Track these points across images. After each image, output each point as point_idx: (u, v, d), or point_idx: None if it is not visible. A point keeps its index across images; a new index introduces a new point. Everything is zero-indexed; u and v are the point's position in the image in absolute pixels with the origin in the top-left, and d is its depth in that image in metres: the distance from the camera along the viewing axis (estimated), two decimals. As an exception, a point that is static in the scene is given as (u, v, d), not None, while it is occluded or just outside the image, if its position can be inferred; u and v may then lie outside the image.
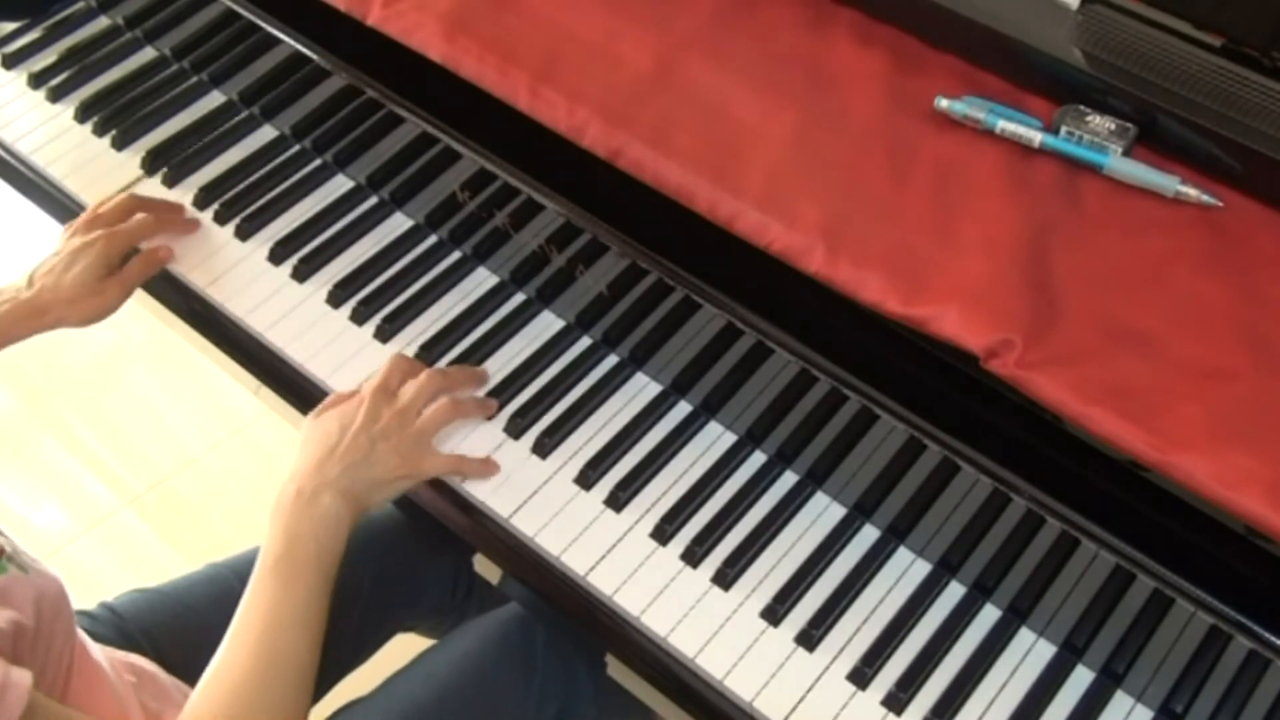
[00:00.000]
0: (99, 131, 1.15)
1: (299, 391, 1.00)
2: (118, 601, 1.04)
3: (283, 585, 0.82)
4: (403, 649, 1.11)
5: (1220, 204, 0.79)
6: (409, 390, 0.90)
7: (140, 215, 1.03)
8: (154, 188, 1.11)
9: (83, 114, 1.16)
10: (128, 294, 1.02)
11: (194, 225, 1.07)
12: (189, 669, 0.89)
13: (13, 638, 0.71)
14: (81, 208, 1.10)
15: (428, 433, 0.89)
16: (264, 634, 0.80)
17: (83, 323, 1.00)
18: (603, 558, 0.87)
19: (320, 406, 0.92)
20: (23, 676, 0.62)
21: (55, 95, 1.18)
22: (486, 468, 0.91)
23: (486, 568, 0.94)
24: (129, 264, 1.02)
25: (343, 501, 0.85)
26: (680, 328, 0.89)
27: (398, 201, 1.07)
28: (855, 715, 0.81)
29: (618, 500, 0.90)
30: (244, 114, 1.15)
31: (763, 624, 0.85)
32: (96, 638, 0.94)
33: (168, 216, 1.06)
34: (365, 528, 1.15)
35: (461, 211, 1.00)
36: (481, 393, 0.95)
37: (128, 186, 1.09)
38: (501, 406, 0.95)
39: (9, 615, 0.72)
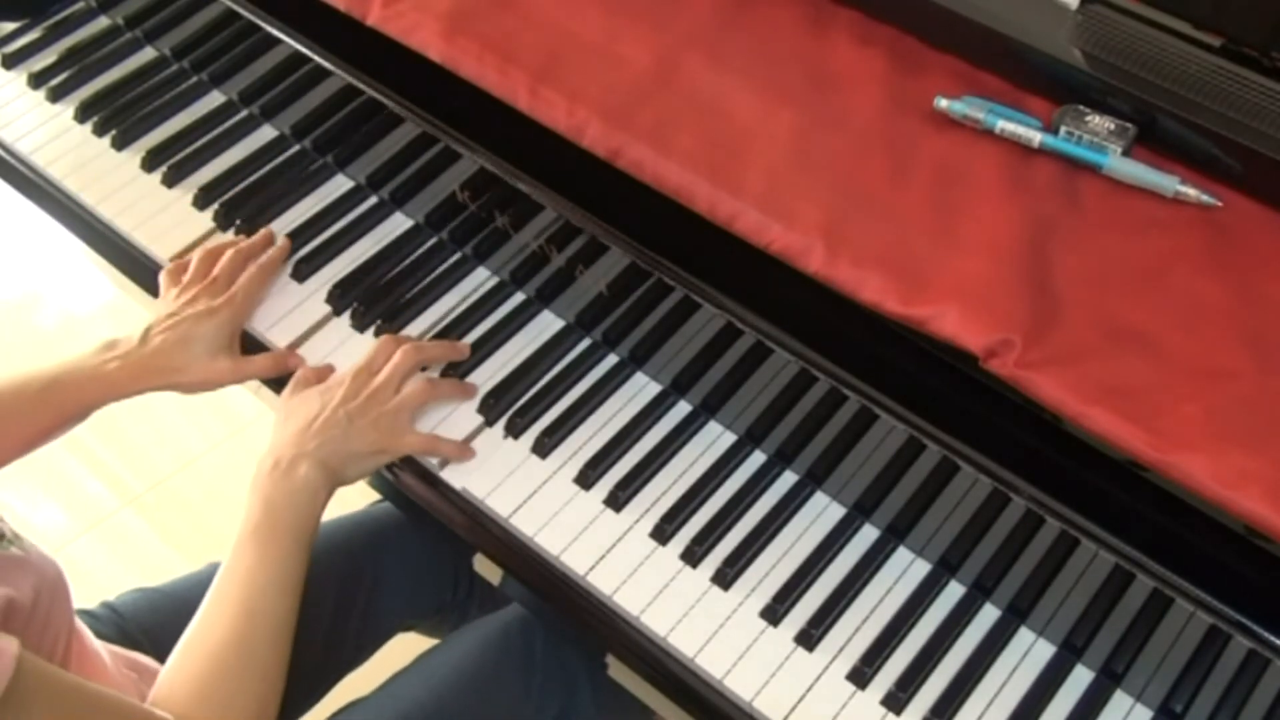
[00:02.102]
0: (99, 131, 1.15)
1: (299, 391, 1.00)
2: (119, 601, 1.05)
3: (261, 550, 0.83)
4: (403, 649, 1.11)
5: (1219, 204, 0.79)
6: (387, 368, 0.92)
7: (252, 273, 1.00)
8: (154, 186, 1.11)
9: (83, 114, 1.16)
10: (244, 379, 0.98)
11: (286, 248, 1.04)
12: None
13: (4, 613, 0.72)
14: (81, 207, 1.10)
15: (405, 410, 0.91)
16: (244, 598, 0.81)
17: (192, 391, 0.97)
18: (602, 557, 0.87)
19: (293, 382, 0.94)
20: (10, 642, 0.62)
21: (55, 95, 1.18)
22: (462, 451, 0.92)
23: (487, 568, 0.94)
24: (258, 357, 0.98)
25: (319, 472, 0.87)
26: (680, 328, 0.89)
27: (398, 201, 1.07)
28: (855, 715, 0.81)
29: (617, 500, 0.90)
30: (244, 114, 1.15)
31: (762, 623, 0.85)
32: (98, 636, 0.93)
33: (268, 257, 1.03)
34: (365, 527, 1.15)
35: (462, 212, 1.00)
36: (473, 382, 0.96)
37: (200, 240, 1.06)
38: (501, 406, 0.95)
39: (4, 592, 0.72)
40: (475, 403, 0.95)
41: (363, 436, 0.89)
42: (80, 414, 0.94)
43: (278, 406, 0.94)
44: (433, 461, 0.92)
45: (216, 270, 1.00)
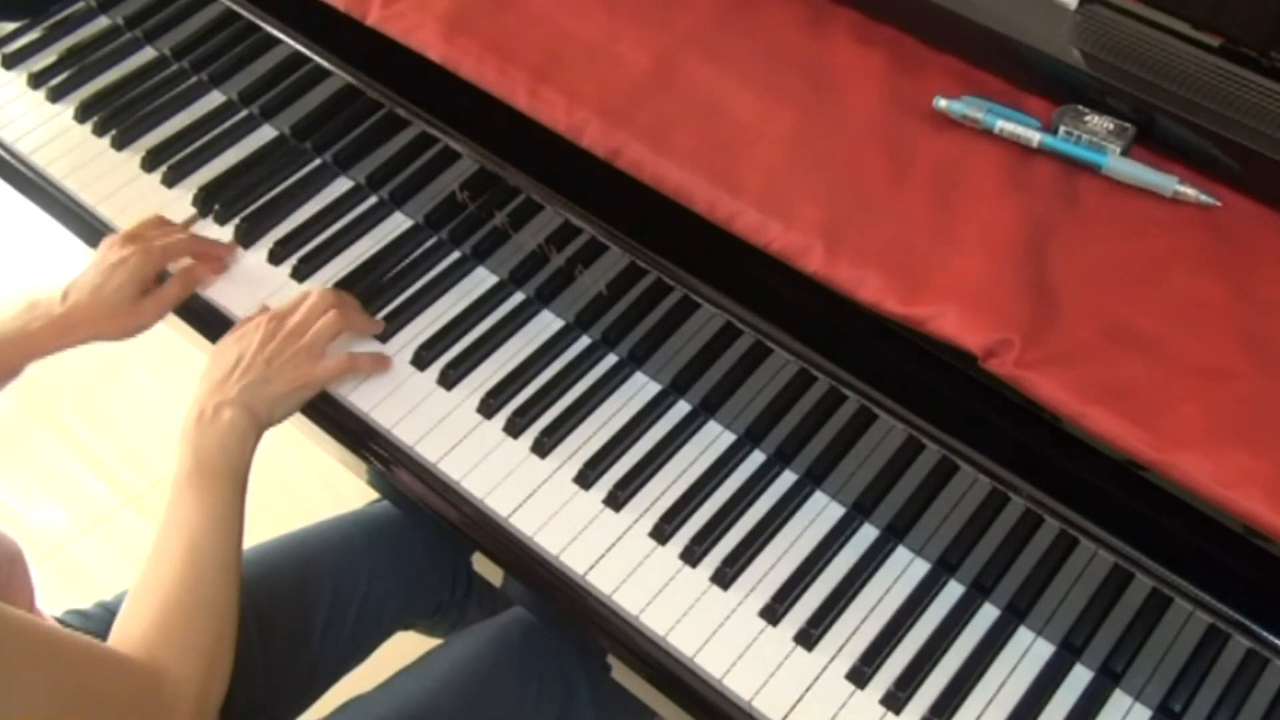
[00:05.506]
0: (99, 131, 1.15)
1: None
2: (115, 601, 1.05)
3: (197, 494, 0.85)
4: (403, 648, 1.11)
5: (1218, 203, 0.79)
6: (299, 311, 0.95)
7: (175, 236, 1.02)
8: (154, 186, 1.11)
9: (83, 114, 1.16)
10: (163, 312, 1.01)
11: (228, 252, 1.05)
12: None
13: None
14: (81, 207, 1.11)
15: (317, 345, 0.94)
16: (188, 538, 0.84)
17: (118, 337, 0.99)
18: (602, 557, 0.87)
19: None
20: None
21: (55, 95, 1.18)
22: (378, 363, 0.96)
23: (486, 567, 0.94)
24: (165, 283, 1.01)
25: (244, 415, 0.89)
26: (679, 327, 0.89)
27: (397, 201, 1.07)
28: (854, 714, 0.81)
29: (617, 499, 0.90)
30: (244, 114, 1.15)
31: (762, 623, 0.85)
32: (87, 634, 0.93)
33: (204, 246, 1.04)
34: (363, 526, 1.16)
35: (461, 211, 1.00)
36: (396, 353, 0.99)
37: (187, 223, 1.07)
38: (501, 406, 0.95)
39: None
40: (475, 402, 0.95)
41: (281, 375, 0.92)
42: (10, 374, 0.96)
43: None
44: (431, 459, 0.92)
45: (139, 225, 1.02)
